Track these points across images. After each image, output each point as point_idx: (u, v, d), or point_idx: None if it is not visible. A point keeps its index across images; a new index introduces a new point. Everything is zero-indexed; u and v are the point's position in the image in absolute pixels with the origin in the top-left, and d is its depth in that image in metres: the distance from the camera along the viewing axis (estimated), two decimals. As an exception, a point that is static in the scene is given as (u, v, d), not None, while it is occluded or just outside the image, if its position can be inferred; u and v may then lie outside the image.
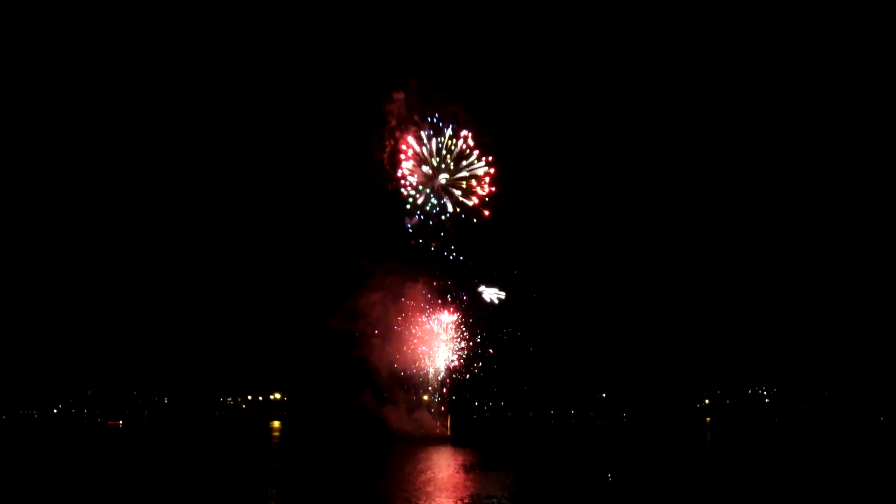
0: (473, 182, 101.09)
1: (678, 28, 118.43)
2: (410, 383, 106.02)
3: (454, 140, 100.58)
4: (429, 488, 50.09)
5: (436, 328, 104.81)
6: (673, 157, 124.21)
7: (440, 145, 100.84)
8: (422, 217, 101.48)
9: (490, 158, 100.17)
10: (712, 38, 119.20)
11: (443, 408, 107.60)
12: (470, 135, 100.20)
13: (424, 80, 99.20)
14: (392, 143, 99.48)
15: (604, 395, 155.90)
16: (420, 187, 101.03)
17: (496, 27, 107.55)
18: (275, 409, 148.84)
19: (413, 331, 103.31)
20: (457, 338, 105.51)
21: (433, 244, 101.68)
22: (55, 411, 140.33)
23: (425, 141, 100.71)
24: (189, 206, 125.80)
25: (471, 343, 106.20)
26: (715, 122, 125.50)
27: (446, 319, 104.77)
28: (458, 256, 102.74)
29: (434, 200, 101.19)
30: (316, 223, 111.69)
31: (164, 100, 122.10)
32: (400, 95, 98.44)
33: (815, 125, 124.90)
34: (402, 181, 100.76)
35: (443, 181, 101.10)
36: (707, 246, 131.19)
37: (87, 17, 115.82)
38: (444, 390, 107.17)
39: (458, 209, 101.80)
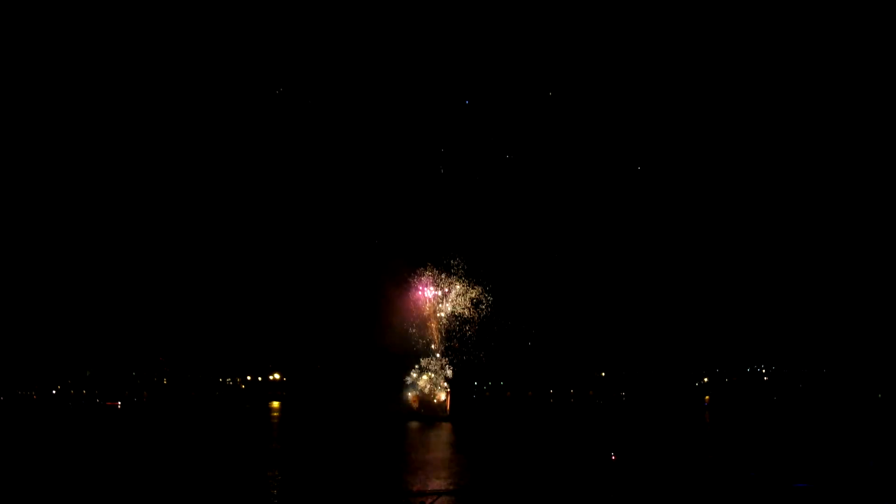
0: None
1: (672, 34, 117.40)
2: (405, 362, 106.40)
3: None
4: (426, 468, 50.05)
5: (424, 306, 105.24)
6: (672, 137, 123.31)
7: None
8: None
9: None
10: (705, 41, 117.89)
11: (440, 387, 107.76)
12: None
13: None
14: None
15: (603, 374, 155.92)
16: None
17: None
18: (274, 390, 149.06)
19: (401, 308, 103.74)
20: (450, 316, 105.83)
21: None
22: (54, 392, 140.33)
23: None
24: (186, 189, 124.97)
25: (466, 322, 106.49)
26: (705, 106, 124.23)
27: (433, 297, 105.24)
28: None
29: None
30: (311, 205, 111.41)
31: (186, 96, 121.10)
32: None
33: (802, 110, 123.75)
34: None
35: None
36: (705, 224, 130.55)
37: (87, 17, 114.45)
38: (441, 369, 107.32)
39: None
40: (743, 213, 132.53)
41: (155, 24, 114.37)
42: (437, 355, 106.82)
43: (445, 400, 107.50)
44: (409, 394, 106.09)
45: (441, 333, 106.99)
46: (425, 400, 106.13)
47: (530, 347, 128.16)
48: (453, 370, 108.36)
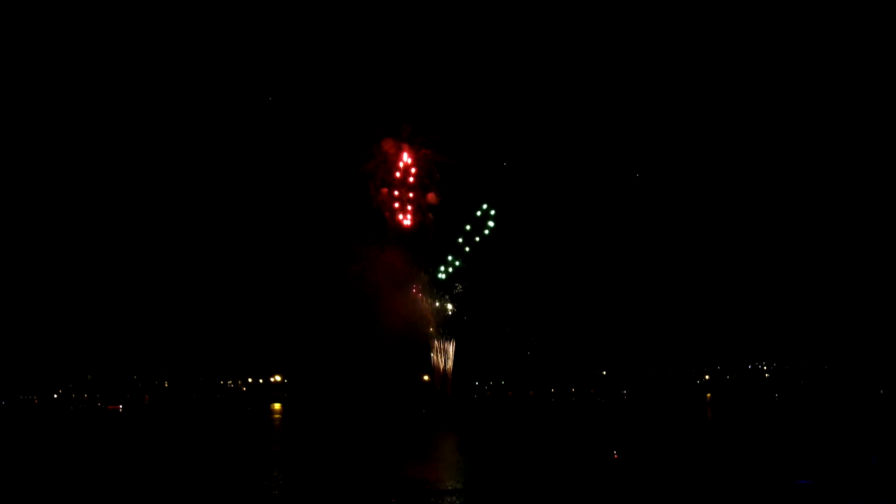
0: None
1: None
2: (406, 362, 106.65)
3: None
4: (429, 468, 50.03)
5: (423, 306, 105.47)
6: (671, 138, 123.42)
7: None
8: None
9: None
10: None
11: (442, 386, 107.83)
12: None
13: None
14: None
15: (604, 372, 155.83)
16: None
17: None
18: (275, 392, 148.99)
19: (400, 309, 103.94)
20: (449, 315, 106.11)
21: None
22: (55, 396, 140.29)
23: None
24: (185, 191, 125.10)
25: (466, 320, 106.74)
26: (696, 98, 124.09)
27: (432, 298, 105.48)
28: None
29: None
30: (309, 206, 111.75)
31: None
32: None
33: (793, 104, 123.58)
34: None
35: None
36: (704, 223, 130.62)
37: (87, 17, 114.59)
38: (443, 369, 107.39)
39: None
40: (743, 212, 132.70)
41: (151, 30, 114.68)
42: (437, 355, 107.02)
43: (447, 399, 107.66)
44: (411, 392, 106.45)
45: (441, 334, 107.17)
46: (426, 399, 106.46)
47: (531, 347, 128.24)
48: (454, 370, 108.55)
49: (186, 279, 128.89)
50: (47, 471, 51.65)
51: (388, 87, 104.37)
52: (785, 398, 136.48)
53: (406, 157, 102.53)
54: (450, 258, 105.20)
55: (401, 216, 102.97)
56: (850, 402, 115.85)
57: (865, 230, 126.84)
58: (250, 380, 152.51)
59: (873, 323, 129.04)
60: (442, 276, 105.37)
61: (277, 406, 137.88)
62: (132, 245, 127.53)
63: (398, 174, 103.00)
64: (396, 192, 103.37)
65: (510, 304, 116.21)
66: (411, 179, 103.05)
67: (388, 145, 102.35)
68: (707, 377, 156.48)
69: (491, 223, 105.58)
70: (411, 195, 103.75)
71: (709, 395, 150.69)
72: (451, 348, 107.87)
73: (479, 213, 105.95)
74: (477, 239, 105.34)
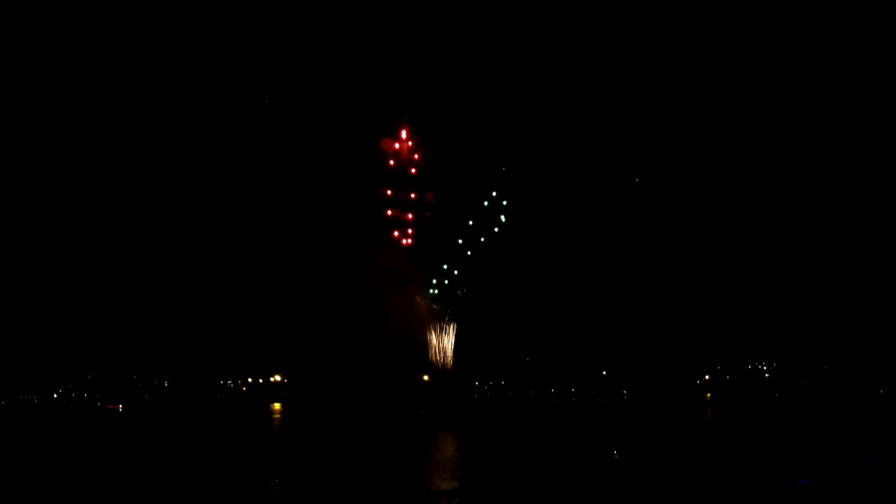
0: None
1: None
2: (407, 363, 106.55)
3: None
4: (430, 467, 50.00)
5: (422, 306, 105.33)
6: (671, 138, 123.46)
7: None
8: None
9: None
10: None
11: (441, 386, 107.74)
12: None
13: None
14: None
15: (604, 372, 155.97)
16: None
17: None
18: (275, 392, 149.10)
19: (398, 308, 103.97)
20: (448, 315, 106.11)
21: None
22: (55, 396, 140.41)
23: None
24: (186, 193, 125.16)
25: (466, 320, 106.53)
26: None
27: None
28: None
29: None
30: (309, 207, 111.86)
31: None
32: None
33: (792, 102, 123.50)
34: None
35: None
36: (705, 221, 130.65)
37: (87, 17, 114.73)
38: (441, 369, 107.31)
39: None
40: (743, 214, 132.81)
41: (153, 33, 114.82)
42: (438, 357, 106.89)
43: (447, 401, 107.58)
44: (411, 393, 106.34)
45: (439, 333, 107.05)
46: (426, 399, 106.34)
47: (531, 348, 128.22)
48: (454, 371, 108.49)
49: (187, 279, 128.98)
50: (47, 470, 51.63)
51: (388, 86, 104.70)
52: (785, 398, 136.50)
53: (404, 150, 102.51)
54: (445, 267, 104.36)
55: (397, 233, 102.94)
56: (850, 402, 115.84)
57: (864, 232, 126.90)
58: (250, 380, 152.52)
59: (872, 324, 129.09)
60: (434, 290, 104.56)
61: (277, 406, 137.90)
62: (132, 246, 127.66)
63: (393, 165, 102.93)
64: (390, 192, 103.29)
65: (510, 304, 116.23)
66: (413, 170, 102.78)
67: (387, 145, 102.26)
68: (707, 377, 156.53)
69: (502, 217, 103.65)
70: (412, 196, 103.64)
71: (709, 395, 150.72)
72: (449, 348, 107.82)
73: (486, 204, 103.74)
74: (482, 239, 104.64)
